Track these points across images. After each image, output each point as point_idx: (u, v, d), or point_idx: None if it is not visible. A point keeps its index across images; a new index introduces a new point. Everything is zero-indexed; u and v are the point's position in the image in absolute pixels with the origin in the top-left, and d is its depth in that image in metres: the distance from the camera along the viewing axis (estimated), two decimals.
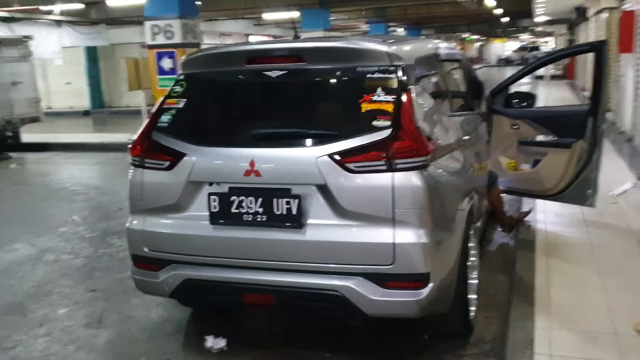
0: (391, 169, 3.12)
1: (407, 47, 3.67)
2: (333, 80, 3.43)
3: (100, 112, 22.96)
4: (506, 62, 57.03)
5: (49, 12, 18.19)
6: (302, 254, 3.28)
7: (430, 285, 3.20)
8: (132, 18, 20.19)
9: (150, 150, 3.55)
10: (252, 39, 30.92)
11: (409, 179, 3.13)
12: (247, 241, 3.36)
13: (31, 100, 13.47)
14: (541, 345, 3.42)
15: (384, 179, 3.12)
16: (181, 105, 3.61)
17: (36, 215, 7.87)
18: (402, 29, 35.01)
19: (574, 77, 25.02)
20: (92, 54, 23.36)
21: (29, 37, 13.62)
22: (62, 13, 18.41)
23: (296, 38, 3.65)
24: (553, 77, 26.74)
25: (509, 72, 39.50)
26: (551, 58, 7.13)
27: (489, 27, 39.37)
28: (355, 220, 3.19)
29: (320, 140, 3.23)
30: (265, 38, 32.19)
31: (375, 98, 3.25)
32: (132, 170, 3.68)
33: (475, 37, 47.48)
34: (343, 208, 3.19)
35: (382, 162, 3.12)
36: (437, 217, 3.26)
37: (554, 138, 5.63)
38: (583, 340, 3.47)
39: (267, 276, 3.35)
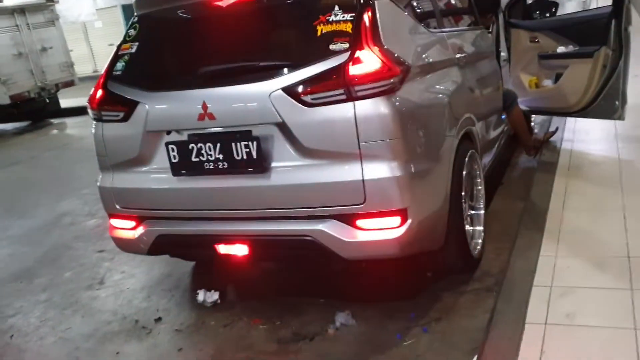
0: (351, 97, 2.79)
1: None
2: (286, 3, 3.09)
3: None
4: None
5: None
6: (268, 200, 3.04)
7: (409, 221, 2.90)
8: None
9: (106, 101, 3.34)
10: None
11: (373, 107, 2.79)
12: (212, 191, 3.14)
13: (63, 64, 13.57)
14: (542, 276, 3.11)
15: (344, 109, 2.80)
16: (134, 49, 3.37)
17: (63, 179, 7.94)
18: None
19: None
20: (129, 12, 23.30)
21: (53, 1, 13.60)
22: None
23: None
24: None
25: None
26: None
27: None
28: (320, 159, 2.91)
29: (273, 73, 2.92)
30: None
31: (331, 18, 2.90)
32: (94, 124, 3.49)
33: None
34: (305, 147, 2.90)
35: (340, 91, 2.79)
36: (413, 146, 2.93)
37: (575, 48, 5.09)
38: (590, 268, 3.14)
39: (236, 226, 3.15)
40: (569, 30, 5.15)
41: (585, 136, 5.43)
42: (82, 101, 14.36)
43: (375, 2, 2.99)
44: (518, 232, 3.70)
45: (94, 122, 3.47)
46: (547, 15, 5.64)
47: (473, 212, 3.74)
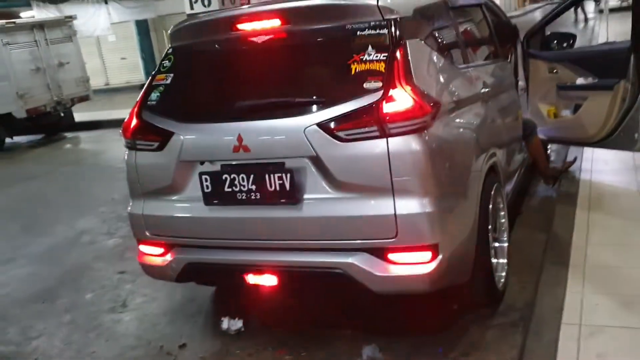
0: (385, 134, 2.84)
1: None
2: (321, 42, 3.13)
3: None
4: None
5: None
6: (299, 231, 3.08)
7: (440, 256, 2.94)
8: None
9: (141, 130, 3.40)
10: None
11: (406, 144, 2.85)
12: (243, 221, 3.19)
13: (79, 79, 13.71)
14: (570, 313, 3.12)
15: (378, 146, 2.85)
16: (169, 81, 3.43)
17: (80, 196, 8.01)
18: None
19: None
20: (143, 27, 23.54)
21: (71, 17, 13.79)
22: None
23: None
24: (612, 10, 25.03)
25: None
26: None
27: None
28: (353, 192, 2.95)
29: (308, 108, 2.98)
30: None
31: (365, 57, 2.96)
32: (127, 153, 3.55)
33: None
34: (338, 180, 2.95)
35: (373, 128, 2.84)
36: (443, 182, 2.98)
37: (594, 80, 5.14)
38: (619, 306, 3.15)
39: (266, 256, 3.19)
40: (588, 63, 5.19)
41: (603, 166, 5.45)
42: (95, 115, 14.57)
43: (407, 41, 3.05)
44: (543, 266, 3.72)
45: (127, 150, 3.52)
46: (564, 46, 5.69)
47: (497, 244, 3.77)
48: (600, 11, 23.34)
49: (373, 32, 3.01)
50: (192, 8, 12.90)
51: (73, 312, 4.40)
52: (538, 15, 24.03)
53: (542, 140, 5.33)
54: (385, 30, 3.01)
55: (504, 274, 3.74)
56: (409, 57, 2.98)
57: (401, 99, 2.86)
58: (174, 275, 3.49)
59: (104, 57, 24.29)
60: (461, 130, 3.30)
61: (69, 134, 13.85)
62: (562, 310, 3.17)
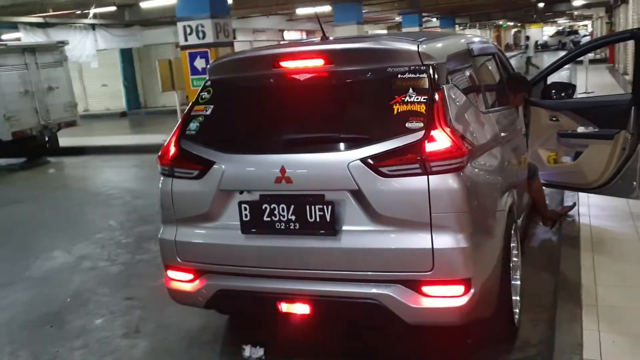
0: (426, 171, 2.99)
1: (438, 45, 3.54)
2: (363, 82, 3.30)
3: (137, 113, 23.27)
4: (542, 47, 55.84)
5: (84, 16, 18.47)
6: (337, 262, 3.18)
7: (472, 290, 3.07)
8: (165, 19, 20.37)
9: (179, 158, 3.49)
10: (286, 34, 31.00)
11: (445, 182, 3.00)
12: (281, 250, 3.28)
13: (67, 104, 13.69)
14: (590, 350, 3.26)
15: (420, 182, 3.00)
16: (209, 112, 3.54)
17: (74, 221, 7.96)
18: (435, 19, 34.58)
19: (615, 61, 24.31)
20: (127, 55, 23.66)
21: (63, 43, 13.83)
22: (95, 16, 18.68)
23: (325, 38, 3.56)
24: (592, 62, 26.03)
25: (545, 57, 38.70)
26: (590, 47, 6.89)
27: (525, 14, 38.48)
28: (391, 225, 3.08)
29: (351, 144, 3.12)
30: (299, 34, 32.24)
31: (406, 99, 3.12)
32: (161, 180, 3.63)
33: (511, 23, 46.48)
34: (378, 213, 3.08)
35: (416, 165, 2.99)
36: (476, 219, 3.12)
37: (595, 129, 5.41)
38: (633, 344, 3.30)
39: (302, 285, 3.27)
40: (588, 112, 5.47)
41: (600, 212, 5.69)
42: (79, 141, 14.48)
43: (444, 86, 3.23)
44: (557, 304, 3.87)
45: (163, 177, 3.60)
46: (563, 95, 5.97)
47: (512, 282, 3.92)
48: (580, 62, 24.28)
49: (413, 75, 3.19)
50: (186, 40, 13.09)
51: (85, 337, 4.38)
52: (513, 62, 24.95)
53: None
54: (424, 75, 3.18)
55: (517, 310, 3.88)
56: (447, 101, 3.16)
57: (441, 140, 3.02)
58: (203, 301, 3.54)
59: (84, 83, 24.27)
60: (489, 171, 3.47)
61: (52, 159, 13.74)
62: (581, 346, 3.31)
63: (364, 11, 20.50)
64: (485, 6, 31.69)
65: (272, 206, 3.23)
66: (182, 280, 3.60)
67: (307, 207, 3.17)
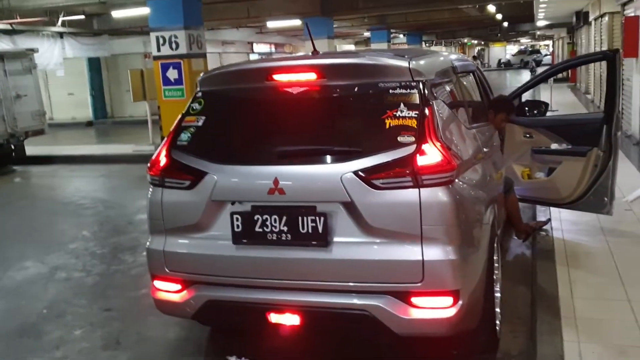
0: (418, 185, 3.06)
1: (427, 62, 3.64)
2: (354, 97, 3.36)
3: (103, 123, 22.95)
4: (505, 65, 57.11)
5: (52, 24, 18.21)
6: (328, 273, 3.22)
7: (460, 302, 3.14)
8: (134, 28, 20.24)
9: (171, 169, 3.49)
10: (255, 47, 31.05)
11: (436, 195, 3.08)
12: (272, 261, 3.30)
13: (35, 113, 13.45)
14: None
15: (411, 195, 3.07)
16: (200, 123, 3.56)
17: (45, 231, 7.81)
18: (402, 36, 35.12)
19: (577, 81, 25.01)
20: (94, 64, 23.37)
21: (32, 50, 13.61)
22: (64, 24, 18.43)
23: (315, 53, 3.63)
24: (555, 80, 26.74)
25: (508, 75, 39.60)
26: (564, 67, 7.12)
27: (489, 32, 39.44)
28: (382, 237, 3.14)
29: (344, 156, 3.18)
30: (268, 46, 32.33)
31: (398, 114, 3.20)
32: (151, 190, 3.62)
33: (475, 42, 47.52)
34: (369, 225, 3.13)
35: (408, 178, 3.06)
36: (464, 232, 3.20)
37: (568, 146, 5.58)
38: (614, 355, 3.41)
39: (292, 296, 3.29)
40: (561, 130, 5.64)
41: (572, 227, 5.85)
42: (46, 150, 14.22)
43: (434, 101, 3.32)
44: (536, 317, 3.97)
45: (153, 187, 3.59)
46: (535, 113, 6.15)
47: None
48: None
49: (404, 91, 3.27)
50: (158, 50, 13.03)
51: (64, 348, 4.31)
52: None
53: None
54: (415, 91, 3.27)
55: (498, 322, 3.97)
56: (436, 116, 3.25)
57: (432, 154, 3.10)
58: (191, 311, 3.53)
59: (50, 92, 23.84)
60: (474, 185, 3.56)
61: (18, 168, 13.45)
62: (562, 357, 3.41)
63: (334, 26, 20.71)
64: (451, 24, 32.35)
65: (264, 217, 3.26)
66: (169, 290, 3.59)
67: (300, 218, 3.21)
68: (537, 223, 5.92)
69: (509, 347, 3.90)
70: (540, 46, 65.15)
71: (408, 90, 3.27)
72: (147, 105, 14.00)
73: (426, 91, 3.30)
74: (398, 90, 3.27)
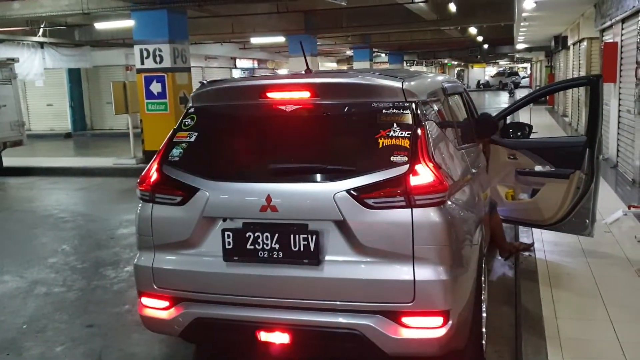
0: (410, 204, 3.09)
1: (419, 83, 3.68)
2: (348, 116, 3.39)
3: (82, 135, 22.75)
4: (484, 86, 57.90)
5: (32, 34, 18.08)
6: (319, 292, 3.22)
7: (450, 322, 3.16)
8: (116, 40, 20.16)
9: (162, 184, 3.48)
10: (238, 62, 31.11)
11: (428, 215, 3.11)
12: (263, 278, 3.30)
13: (14, 123, 13.31)
14: None
15: (403, 215, 3.09)
16: (193, 138, 3.56)
17: (24, 245, 7.67)
18: (384, 55, 35.47)
19: (554, 103, 25.44)
20: (74, 75, 23.21)
21: (13, 60, 13.48)
22: (44, 34, 18.31)
23: (308, 71, 3.67)
24: (533, 103, 27.16)
25: (487, 96, 40.15)
26: (548, 90, 7.27)
27: (470, 54, 40.06)
28: (374, 256, 3.16)
29: (337, 175, 3.20)
30: (250, 62, 32.41)
31: (391, 133, 3.24)
32: (140, 205, 3.60)
33: (455, 62, 48.18)
34: (361, 244, 3.15)
35: (401, 198, 3.09)
36: (455, 252, 3.23)
37: (551, 168, 5.67)
38: None
39: (283, 314, 3.29)
40: (545, 152, 5.74)
41: (554, 248, 5.93)
42: (24, 161, 14.02)
43: (426, 122, 3.36)
44: (521, 336, 4.00)
45: (142, 202, 3.57)
46: (519, 134, 6.25)
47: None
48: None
49: (397, 111, 3.31)
50: (142, 63, 13.01)
51: None
52: None
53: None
54: (408, 111, 3.31)
55: (484, 342, 4.00)
56: (429, 136, 3.29)
57: (424, 174, 3.13)
58: (179, 329, 3.50)
59: (28, 102, 23.60)
60: (464, 206, 3.60)
61: None
62: None
63: (317, 44, 20.86)
64: (433, 45, 32.76)
65: (255, 234, 3.26)
66: (157, 307, 3.56)
67: (292, 236, 3.21)
68: (521, 244, 5.98)
69: None
70: (518, 68, 66.23)
71: (401, 111, 3.31)
72: (129, 118, 13.92)
73: (419, 112, 3.35)
74: (391, 111, 3.31)
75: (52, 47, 19.28)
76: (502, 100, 33.48)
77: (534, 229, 6.39)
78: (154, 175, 3.52)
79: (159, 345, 4.44)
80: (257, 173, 3.38)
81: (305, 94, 3.43)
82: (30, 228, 8.59)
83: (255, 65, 33.96)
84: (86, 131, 23.38)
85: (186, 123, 3.65)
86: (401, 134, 3.23)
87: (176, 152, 3.55)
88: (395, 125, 3.26)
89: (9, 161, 13.84)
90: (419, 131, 3.26)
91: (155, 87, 12.81)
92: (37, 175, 13.39)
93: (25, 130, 13.78)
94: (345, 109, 3.40)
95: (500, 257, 5.85)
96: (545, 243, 6.07)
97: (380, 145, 3.21)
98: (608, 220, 6.78)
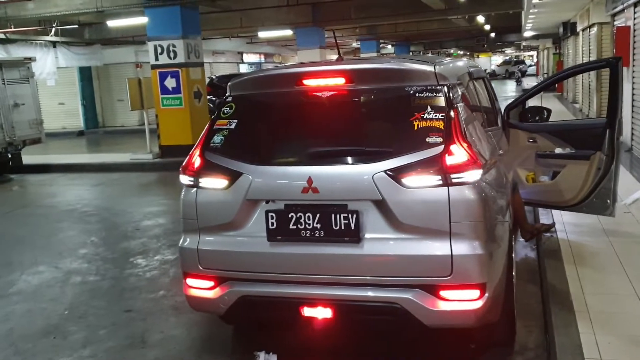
0: (446, 183, 3.23)
1: (450, 67, 3.82)
2: (383, 100, 3.54)
3: (95, 132, 22.94)
4: (490, 75, 57.65)
5: (44, 33, 18.27)
6: (360, 268, 3.37)
7: (486, 294, 3.31)
8: (126, 38, 20.36)
9: (206, 170, 3.63)
10: (245, 57, 31.24)
11: (463, 193, 3.25)
12: (305, 257, 3.45)
13: (33, 121, 13.52)
14: (589, 350, 3.53)
15: (440, 193, 3.23)
16: (233, 126, 3.71)
17: (52, 237, 7.87)
18: (390, 46, 35.49)
19: (563, 90, 25.45)
20: (85, 73, 23.40)
21: (30, 59, 13.67)
22: (56, 34, 18.50)
23: (340, 59, 3.80)
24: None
25: (494, 85, 40.09)
26: (567, 74, 7.33)
27: (476, 43, 40.02)
28: (412, 233, 3.30)
29: (375, 157, 3.34)
30: (257, 56, 32.52)
31: (425, 116, 3.37)
32: (184, 190, 3.75)
33: (462, 52, 48.14)
34: (400, 222, 3.29)
35: (437, 177, 3.23)
36: (489, 228, 3.37)
37: (571, 150, 5.79)
38: (629, 344, 3.59)
39: (325, 290, 3.44)
40: (565, 134, 5.85)
41: (575, 229, 6.06)
42: (42, 159, 14.23)
43: (458, 104, 3.50)
44: (550, 311, 4.14)
45: (186, 187, 3.72)
46: (537, 119, 6.36)
47: None
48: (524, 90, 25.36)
49: (430, 94, 3.45)
50: (156, 59, 13.16)
51: (91, 347, 4.41)
52: None
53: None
54: (441, 94, 3.45)
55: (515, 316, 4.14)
56: (461, 118, 3.43)
57: (459, 154, 3.27)
58: (224, 307, 3.66)
59: (40, 101, 23.72)
60: (496, 184, 3.73)
61: (15, 176, 13.47)
62: (580, 346, 3.58)
63: (325, 36, 20.96)
64: (439, 34, 32.77)
65: (298, 215, 3.41)
66: (202, 287, 3.71)
67: (333, 215, 3.36)
68: (542, 225, 6.10)
69: (526, 341, 4.08)
70: (524, 57, 66.00)
71: (434, 94, 3.45)
72: (145, 113, 14.10)
73: (451, 94, 3.48)
74: (425, 94, 3.45)
75: (64, 46, 19.50)
76: (509, 89, 33.46)
77: (553, 211, 6.51)
78: (197, 162, 3.67)
79: (196, 327, 4.61)
80: (298, 157, 3.53)
81: (340, 80, 3.57)
82: (56, 222, 8.78)
83: (262, 59, 34.09)
84: (98, 129, 23.58)
85: (225, 111, 3.80)
86: (435, 115, 3.37)
87: (217, 139, 3.70)
88: (429, 107, 3.40)
89: (27, 159, 14.04)
90: (452, 113, 3.39)
91: (170, 83, 12.98)
92: (55, 172, 13.61)
93: (43, 128, 13.97)
94: (380, 94, 3.54)
95: (521, 239, 5.98)
96: (565, 224, 6.19)
97: (416, 127, 3.35)
98: (627, 201, 6.89)
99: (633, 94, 10.62)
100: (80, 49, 20.30)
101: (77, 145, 19.40)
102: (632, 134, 10.74)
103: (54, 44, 19.03)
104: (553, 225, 6.10)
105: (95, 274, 6.16)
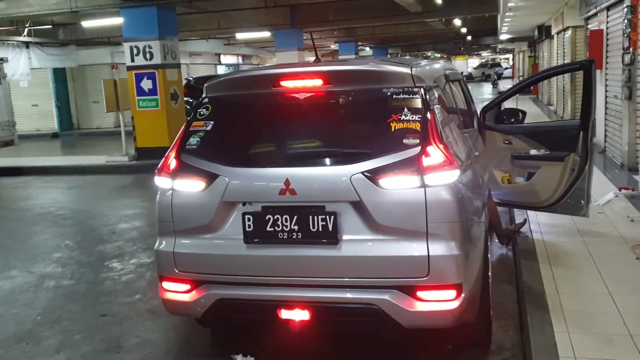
0: (423, 184, 3.25)
1: (426, 69, 3.84)
2: (360, 102, 3.55)
3: (69, 134, 22.66)
4: (467, 78, 58.20)
5: (17, 34, 17.99)
6: (338, 269, 3.37)
7: (463, 295, 3.33)
8: (102, 39, 20.13)
9: (181, 171, 3.60)
10: (222, 58, 31.11)
11: (440, 194, 3.27)
12: (283, 259, 3.44)
13: (5, 123, 13.31)
14: (564, 349, 3.57)
15: (417, 194, 3.25)
16: (209, 127, 3.68)
17: (26, 241, 7.73)
18: (368, 48, 35.65)
19: (538, 93, 25.77)
20: (60, 75, 23.10)
21: (2, 60, 13.46)
22: (29, 34, 18.23)
23: (317, 61, 3.80)
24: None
25: (470, 88, 40.53)
26: (542, 76, 7.42)
27: (453, 46, 40.35)
28: (389, 234, 3.31)
29: (353, 158, 3.35)
30: (235, 58, 32.41)
31: (402, 117, 3.39)
32: (159, 193, 3.72)
33: (439, 55, 48.52)
34: (377, 223, 3.30)
35: (414, 178, 3.25)
36: (465, 229, 3.40)
37: (546, 152, 5.86)
38: (602, 343, 3.64)
39: (303, 292, 3.43)
40: (540, 136, 5.92)
41: (550, 229, 6.13)
42: (15, 161, 13.98)
43: (435, 106, 3.52)
44: (526, 311, 4.18)
45: (161, 189, 3.69)
46: (512, 120, 6.43)
47: None
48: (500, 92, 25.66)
49: (407, 96, 3.47)
50: (132, 60, 13.04)
51: (65, 352, 4.34)
52: None
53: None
54: (417, 96, 3.47)
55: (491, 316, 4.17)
56: (437, 119, 3.45)
57: (436, 155, 3.29)
58: (201, 311, 3.63)
59: (12, 102, 23.37)
60: (471, 185, 3.76)
61: None
62: (555, 346, 3.62)
63: (303, 38, 20.98)
64: (416, 37, 32.98)
65: (275, 217, 3.40)
66: (179, 291, 3.68)
67: (310, 217, 3.36)
68: (516, 225, 6.18)
69: (502, 340, 4.11)
70: (500, 59, 66.74)
71: (411, 96, 3.47)
72: (121, 115, 13.96)
73: (427, 96, 3.50)
74: (402, 96, 3.47)
75: (37, 47, 19.21)
76: (486, 91, 33.85)
77: (529, 211, 6.58)
78: (173, 164, 3.64)
79: (173, 331, 4.57)
80: (275, 158, 3.52)
81: (318, 82, 3.57)
82: (30, 225, 8.64)
83: (240, 61, 34.00)
84: (73, 130, 23.29)
85: (201, 113, 3.77)
86: (412, 117, 3.39)
87: (193, 140, 3.67)
88: (406, 109, 3.41)
89: (1, 162, 13.80)
90: (428, 115, 3.41)
91: (146, 84, 12.87)
92: (29, 174, 13.40)
93: (16, 130, 13.75)
94: (357, 96, 3.54)
95: (498, 243, 6.02)
96: (541, 225, 6.26)
97: (393, 129, 3.37)
98: (600, 202, 7.00)
99: (606, 97, 10.80)
100: (54, 50, 20.03)
101: (51, 147, 19.13)
102: (606, 135, 10.92)
103: (27, 44, 18.75)
104: (524, 222, 6.17)
105: (70, 278, 6.07)
